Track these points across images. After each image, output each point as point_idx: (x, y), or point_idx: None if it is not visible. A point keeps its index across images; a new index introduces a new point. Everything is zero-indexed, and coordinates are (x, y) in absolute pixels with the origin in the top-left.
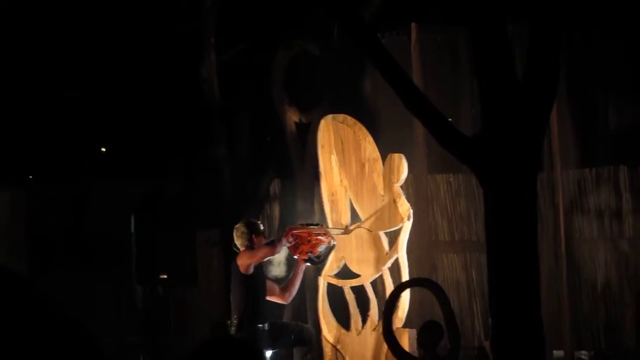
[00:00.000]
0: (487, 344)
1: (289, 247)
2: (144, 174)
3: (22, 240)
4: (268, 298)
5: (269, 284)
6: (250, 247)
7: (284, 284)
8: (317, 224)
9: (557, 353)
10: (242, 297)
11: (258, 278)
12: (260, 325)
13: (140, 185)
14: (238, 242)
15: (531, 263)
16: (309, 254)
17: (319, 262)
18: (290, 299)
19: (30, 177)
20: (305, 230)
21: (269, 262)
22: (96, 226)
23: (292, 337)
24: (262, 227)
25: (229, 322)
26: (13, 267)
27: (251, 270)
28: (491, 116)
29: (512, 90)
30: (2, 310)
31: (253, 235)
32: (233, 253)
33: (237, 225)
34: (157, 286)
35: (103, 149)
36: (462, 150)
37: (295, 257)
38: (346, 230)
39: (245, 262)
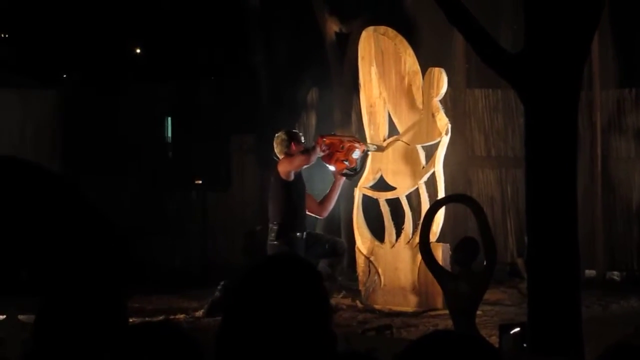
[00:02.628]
0: (519, 261)
1: (323, 158)
2: (179, 75)
3: (58, 141)
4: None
5: (307, 197)
6: (290, 154)
7: (322, 198)
8: (350, 136)
9: (589, 272)
10: (282, 204)
11: (298, 186)
12: (299, 234)
13: (174, 87)
14: (277, 149)
15: (569, 181)
16: (345, 162)
17: (355, 175)
18: (326, 213)
19: (65, 76)
20: (336, 137)
21: (311, 179)
22: (131, 128)
23: (327, 247)
24: (302, 138)
25: (258, 228)
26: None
27: (292, 177)
28: (534, 33)
29: (557, 7)
30: (45, 204)
31: (292, 143)
32: (273, 161)
33: (278, 134)
34: (192, 190)
35: (138, 50)
36: (504, 67)
37: (332, 168)
38: (379, 148)
39: (285, 169)
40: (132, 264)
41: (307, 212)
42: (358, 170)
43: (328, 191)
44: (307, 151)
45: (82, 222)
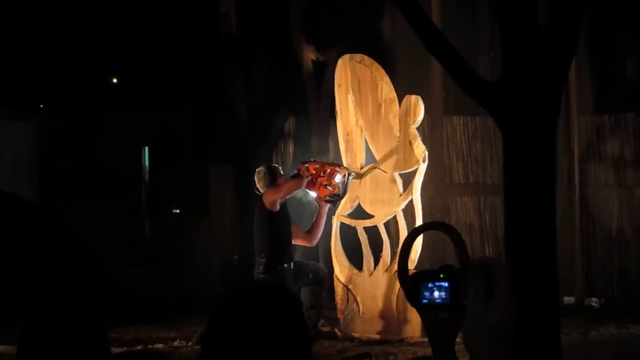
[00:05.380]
0: None
1: (306, 185)
2: (157, 105)
3: (34, 171)
4: (294, 242)
5: (294, 228)
6: (275, 185)
7: (308, 227)
8: (330, 162)
9: (568, 299)
10: (269, 236)
11: (284, 216)
12: (286, 265)
13: (153, 117)
14: (260, 184)
15: (548, 208)
16: (328, 187)
17: (339, 199)
18: (315, 241)
19: (42, 106)
20: (318, 163)
21: (295, 207)
22: (108, 158)
23: (311, 276)
24: (281, 171)
25: (235, 257)
26: (26, 197)
27: (277, 207)
28: (512, 61)
29: (534, 36)
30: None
31: (277, 177)
32: (252, 191)
33: (258, 169)
34: (169, 220)
35: (115, 80)
36: (482, 94)
37: (313, 194)
38: (358, 175)
39: (270, 199)
40: (111, 293)
41: (297, 242)
42: (341, 195)
43: (315, 219)
44: (298, 176)
45: (61, 252)
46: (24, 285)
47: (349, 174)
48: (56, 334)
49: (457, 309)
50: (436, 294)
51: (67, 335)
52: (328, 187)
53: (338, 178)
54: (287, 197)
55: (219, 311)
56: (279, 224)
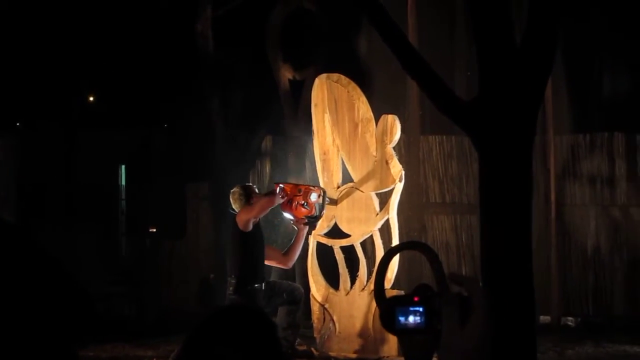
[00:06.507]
0: None
1: (282, 207)
2: (134, 124)
3: (12, 188)
4: (269, 263)
5: (270, 249)
6: (249, 204)
7: (286, 249)
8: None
9: (544, 318)
10: (240, 256)
11: (256, 237)
12: (257, 285)
13: (130, 135)
14: (235, 205)
15: (524, 227)
16: (305, 206)
17: (316, 220)
18: (292, 264)
19: (18, 124)
20: (291, 183)
21: (273, 231)
22: (85, 176)
23: (285, 296)
24: (256, 190)
25: (212, 275)
26: (1, 215)
27: (250, 227)
28: (488, 81)
29: (511, 55)
30: None
31: (252, 197)
32: (228, 210)
33: (233, 190)
34: (146, 238)
35: (92, 98)
36: (458, 114)
37: (290, 216)
38: (332, 201)
39: (243, 218)
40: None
41: (273, 264)
42: (318, 216)
43: (292, 242)
44: (270, 193)
45: (37, 270)
46: None
47: (324, 194)
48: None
49: (431, 333)
50: (411, 318)
51: (38, 355)
52: (305, 206)
53: (314, 197)
54: (261, 215)
55: (192, 333)
56: (251, 243)
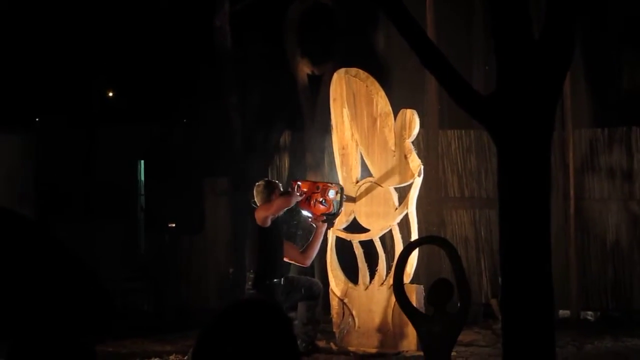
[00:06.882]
0: (493, 302)
1: (300, 204)
2: (153, 119)
3: (31, 185)
4: (287, 260)
5: (288, 247)
6: (269, 201)
7: (304, 247)
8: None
9: (563, 313)
10: (259, 251)
11: (275, 233)
12: (276, 280)
13: (148, 131)
14: (257, 198)
15: (543, 222)
16: (323, 203)
17: (334, 217)
18: (310, 261)
19: (37, 120)
20: (309, 181)
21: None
22: (104, 172)
23: (303, 291)
24: (280, 188)
25: (231, 270)
26: (22, 211)
27: (268, 223)
28: (507, 75)
29: (529, 49)
30: (15, 250)
31: (274, 193)
32: (247, 204)
33: (258, 183)
34: (165, 234)
35: (110, 94)
36: (476, 108)
37: (308, 214)
38: (350, 198)
39: (262, 215)
40: (107, 307)
41: (291, 261)
42: (336, 213)
43: (310, 239)
44: (286, 193)
45: (56, 266)
46: (17, 299)
47: (342, 191)
48: (45, 348)
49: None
50: None
51: (55, 350)
52: (323, 203)
53: (331, 194)
54: (279, 214)
55: (207, 328)
56: (269, 239)
